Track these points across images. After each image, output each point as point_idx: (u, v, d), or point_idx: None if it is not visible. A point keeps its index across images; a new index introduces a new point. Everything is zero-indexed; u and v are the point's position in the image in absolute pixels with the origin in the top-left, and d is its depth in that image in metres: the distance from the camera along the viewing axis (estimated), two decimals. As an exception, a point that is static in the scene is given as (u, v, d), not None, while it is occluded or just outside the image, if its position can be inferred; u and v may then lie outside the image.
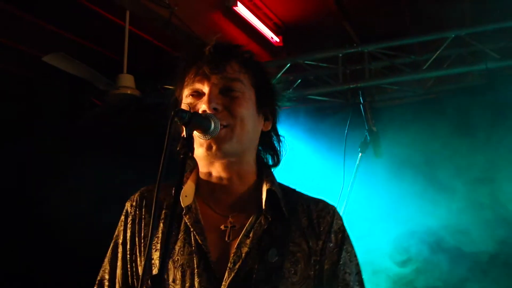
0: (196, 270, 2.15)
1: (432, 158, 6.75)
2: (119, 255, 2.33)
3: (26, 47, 6.58)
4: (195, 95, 2.29)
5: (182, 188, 2.27)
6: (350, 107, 6.74)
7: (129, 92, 6.04)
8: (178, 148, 1.96)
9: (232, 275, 2.14)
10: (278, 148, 2.50)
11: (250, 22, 6.89)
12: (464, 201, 6.34)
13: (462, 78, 7.24)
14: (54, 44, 6.17)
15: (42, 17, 6.20)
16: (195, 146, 2.02)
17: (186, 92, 2.33)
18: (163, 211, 2.32)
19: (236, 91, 2.28)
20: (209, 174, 2.33)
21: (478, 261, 6.50)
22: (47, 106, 7.08)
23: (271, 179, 2.39)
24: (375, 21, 7.05)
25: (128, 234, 2.32)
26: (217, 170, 2.30)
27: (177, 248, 2.20)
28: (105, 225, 2.53)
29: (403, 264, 6.76)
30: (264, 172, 2.41)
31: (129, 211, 2.37)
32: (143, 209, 2.34)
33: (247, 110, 2.29)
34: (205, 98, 2.23)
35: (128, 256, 2.31)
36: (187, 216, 2.25)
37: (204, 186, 2.35)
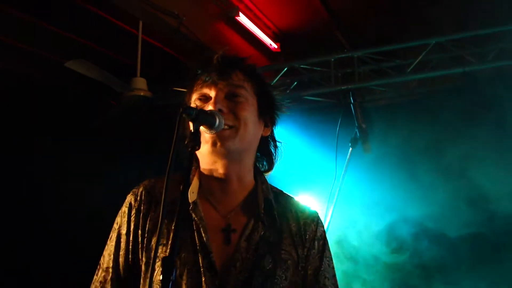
0: (202, 269, 2.13)
1: (415, 153, 6.74)
2: (122, 245, 2.28)
3: (50, 54, 6.57)
4: (202, 99, 2.29)
5: (190, 182, 2.27)
6: (342, 106, 6.74)
7: (142, 93, 6.08)
8: (186, 142, 1.96)
9: (234, 278, 2.13)
10: (274, 153, 2.50)
11: (251, 30, 6.89)
12: (444, 192, 6.33)
13: (442, 80, 7.25)
14: (75, 51, 6.17)
15: (65, 28, 6.23)
16: (201, 143, 2.02)
17: (194, 96, 2.33)
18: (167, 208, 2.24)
19: (240, 97, 2.29)
20: (211, 172, 2.31)
21: (459, 245, 6.49)
22: (67, 107, 7.09)
23: (266, 186, 2.40)
24: (364, 29, 7.05)
25: (132, 227, 2.27)
26: (219, 169, 2.29)
27: (182, 245, 2.16)
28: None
29: (391, 249, 6.75)
30: (259, 178, 2.41)
31: (132, 204, 2.31)
32: (147, 204, 2.30)
33: (250, 114, 2.30)
34: (211, 101, 2.24)
35: (130, 247, 2.26)
36: (195, 212, 2.23)
37: (206, 185, 2.33)
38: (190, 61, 2.44)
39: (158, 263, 2.12)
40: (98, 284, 2.28)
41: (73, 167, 6.38)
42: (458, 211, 6.40)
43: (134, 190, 2.37)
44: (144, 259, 2.22)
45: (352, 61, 6.97)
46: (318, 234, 2.40)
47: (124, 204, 2.35)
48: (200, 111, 2.03)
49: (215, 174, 2.31)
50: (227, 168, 2.28)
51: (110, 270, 2.28)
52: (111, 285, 2.26)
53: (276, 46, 7.35)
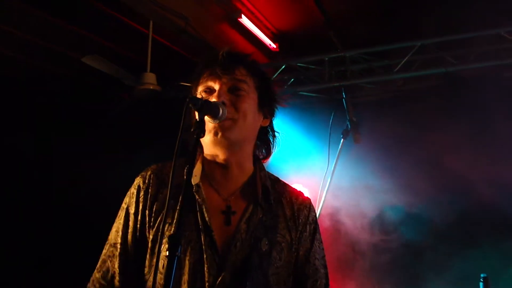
0: (203, 247, 2.12)
1: (401, 143, 6.76)
2: (130, 223, 2.26)
3: (68, 50, 6.59)
4: (207, 91, 2.28)
5: (195, 163, 2.27)
6: (334, 101, 6.77)
7: (151, 87, 6.07)
8: (192, 130, 1.97)
9: (234, 257, 2.13)
10: (272, 142, 2.49)
11: (252, 31, 6.86)
12: (426, 180, 6.34)
13: (426, 79, 7.26)
14: (91, 48, 6.18)
15: (84, 27, 6.27)
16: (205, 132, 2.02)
17: (200, 89, 2.32)
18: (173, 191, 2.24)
19: (242, 90, 2.28)
20: (214, 158, 2.31)
21: (445, 229, 6.50)
22: (83, 99, 7.10)
23: (264, 173, 2.39)
24: (355, 31, 7.02)
25: (140, 207, 2.25)
26: (220, 155, 2.29)
27: (186, 224, 2.15)
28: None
29: (379, 232, 6.75)
30: (258, 165, 2.40)
31: (141, 186, 2.29)
32: (155, 186, 2.28)
33: (250, 106, 2.29)
34: (215, 93, 2.23)
35: (138, 225, 2.25)
36: (197, 194, 2.22)
37: (208, 170, 2.32)
38: (196, 58, 2.42)
39: (164, 240, 2.09)
40: (106, 258, 2.28)
41: (90, 153, 6.44)
42: (438, 198, 6.41)
43: (142, 173, 2.36)
44: (151, 236, 2.21)
45: (344, 60, 6.98)
46: (310, 218, 2.40)
47: (133, 186, 2.34)
48: (205, 102, 2.04)
49: (217, 160, 2.31)
50: (227, 155, 2.28)
51: (118, 246, 2.26)
52: (119, 259, 2.25)
53: (275, 46, 7.32)
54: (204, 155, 2.35)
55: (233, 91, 2.27)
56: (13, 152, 6.32)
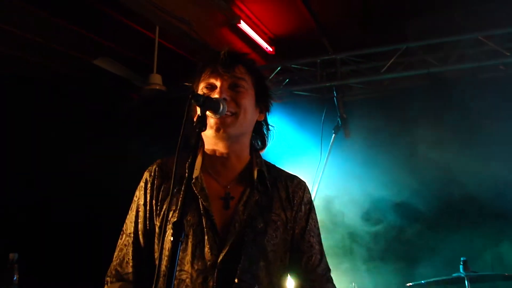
0: (205, 229, 2.13)
1: (388, 138, 6.76)
2: (141, 213, 2.28)
3: (80, 54, 6.58)
4: (209, 88, 2.27)
5: (197, 156, 2.27)
6: (326, 100, 6.78)
7: (157, 88, 6.05)
8: (194, 124, 1.96)
9: (233, 237, 2.12)
10: (267, 134, 2.48)
11: (250, 36, 6.83)
12: (413, 173, 6.34)
13: (410, 79, 7.26)
14: (102, 52, 6.17)
15: (94, 32, 6.27)
16: (207, 126, 2.02)
17: (202, 85, 2.30)
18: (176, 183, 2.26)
19: (241, 87, 2.27)
20: (214, 151, 2.31)
21: (430, 217, 6.51)
22: (96, 99, 7.09)
23: (260, 160, 2.38)
24: (345, 36, 7.04)
25: (148, 198, 2.27)
26: (220, 148, 2.29)
27: (189, 210, 2.16)
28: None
29: (371, 219, 6.74)
30: (254, 154, 2.39)
31: (148, 179, 2.31)
32: (160, 178, 2.29)
33: (249, 102, 2.28)
34: (217, 90, 2.22)
35: (148, 214, 2.26)
36: (195, 185, 2.22)
37: (209, 161, 2.32)
38: (199, 60, 2.41)
39: (169, 226, 2.10)
40: (122, 247, 2.30)
41: (102, 148, 6.41)
42: (424, 188, 6.41)
43: (149, 168, 2.37)
44: (158, 223, 2.23)
45: (335, 62, 7.00)
46: (305, 199, 2.38)
47: (142, 180, 2.35)
48: (207, 98, 2.03)
49: (217, 153, 2.31)
50: (227, 148, 2.28)
51: (132, 235, 2.29)
52: (133, 247, 2.27)
53: (271, 49, 7.29)
54: (205, 149, 2.35)
55: (233, 88, 2.26)
56: (29, 151, 6.34)
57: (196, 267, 2.09)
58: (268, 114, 2.49)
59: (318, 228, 2.41)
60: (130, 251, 2.27)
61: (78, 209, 6.40)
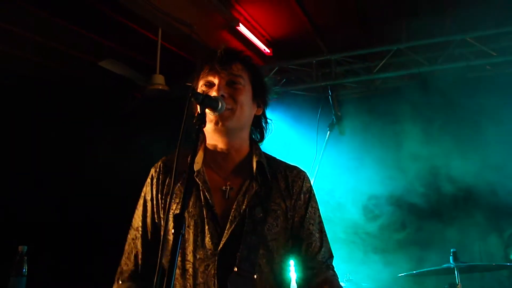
0: (206, 219, 2.11)
1: (380, 135, 6.77)
2: (148, 208, 2.29)
3: (87, 56, 6.61)
4: (207, 85, 2.26)
5: (198, 150, 2.28)
6: (321, 98, 6.74)
7: (160, 87, 6.07)
8: (194, 121, 1.95)
9: (233, 226, 2.11)
10: (265, 128, 2.47)
11: (249, 38, 6.81)
12: (405, 167, 6.33)
13: (402, 79, 7.25)
14: (106, 53, 6.17)
15: (100, 35, 6.32)
16: (206, 122, 2.02)
17: (201, 83, 2.29)
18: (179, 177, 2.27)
19: (239, 84, 2.26)
20: (215, 146, 2.30)
21: (425, 211, 6.52)
22: (101, 98, 7.10)
23: (259, 152, 2.36)
24: (339, 38, 7.03)
25: (154, 193, 2.28)
26: (220, 143, 2.28)
27: (191, 202, 2.16)
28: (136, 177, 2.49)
29: (366, 212, 6.73)
30: (254, 146, 2.37)
31: (153, 175, 2.32)
32: (164, 174, 2.30)
33: (246, 98, 2.27)
34: (215, 87, 2.21)
35: (154, 209, 2.27)
36: (198, 178, 2.21)
37: (210, 155, 2.31)
38: (199, 59, 2.40)
39: (170, 218, 2.05)
40: (131, 241, 2.31)
41: (109, 144, 6.48)
42: (417, 184, 6.41)
43: (155, 164, 2.37)
44: (162, 215, 2.24)
45: (329, 62, 7.00)
46: (304, 188, 2.34)
47: (148, 177, 2.35)
48: (206, 96, 2.03)
49: (218, 148, 2.30)
50: (227, 142, 2.28)
51: (140, 229, 2.29)
52: (141, 240, 2.28)
53: (269, 51, 7.27)
54: (206, 144, 2.34)
55: (230, 85, 2.25)
56: (31, 150, 6.35)
57: (198, 256, 2.09)
58: (266, 108, 2.47)
59: (319, 216, 2.38)
60: (139, 245, 2.27)
61: (81, 205, 6.40)
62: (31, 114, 6.46)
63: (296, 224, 2.28)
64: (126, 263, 2.27)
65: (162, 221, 2.24)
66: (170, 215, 2.11)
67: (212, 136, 2.28)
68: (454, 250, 4.66)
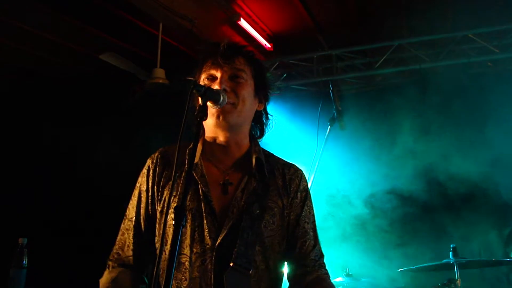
0: (204, 214, 2.10)
1: (379, 130, 6.79)
2: (143, 199, 2.26)
3: (88, 50, 6.63)
4: (210, 79, 2.23)
5: (198, 144, 2.23)
6: (322, 93, 6.76)
7: (161, 81, 6.04)
8: (196, 114, 1.92)
9: (231, 221, 2.09)
10: (266, 123, 2.44)
11: (250, 32, 6.79)
12: (404, 162, 6.34)
13: (403, 75, 7.25)
14: (108, 48, 6.16)
15: (102, 29, 6.33)
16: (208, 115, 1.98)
17: (203, 76, 2.26)
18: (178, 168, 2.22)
19: (241, 78, 2.23)
20: (214, 139, 2.27)
21: (426, 206, 6.54)
22: (103, 91, 7.10)
23: (258, 148, 2.34)
24: (340, 33, 7.01)
25: (150, 184, 2.25)
26: (220, 137, 2.25)
27: (188, 196, 2.13)
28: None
29: (363, 208, 6.73)
30: (253, 142, 2.36)
31: (150, 166, 2.28)
32: (161, 165, 2.27)
33: (248, 93, 2.24)
34: (217, 81, 2.18)
35: (150, 200, 2.24)
36: (195, 171, 2.18)
37: (209, 148, 2.29)
38: (201, 52, 2.37)
39: (170, 210, 2.10)
40: (124, 231, 2.28)
41: (111, 136, 6.51)
42: (418, 179, 6.42)
43: (152, 155, 2.34)
44: (159, 208, 2.21)
45: (330, 58, 7.03)
46: (301, 187, 2.34)
47: (144, 167, 2.32)
48: (207, 89, 2.00)
49: (217, 141, 2.27)
50: (227, 137, 2.24)
51: (133, 219, 2.26)
52: (133, 231, 2.25)
53: (269, 46, 7.26)
54: (205, 137, 2.32)
55: (233, 79, 2.22)
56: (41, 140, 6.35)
57: (195, 250, 2.07)
58: (267, 104, 2.45)
59: (313, 215, 2.38)
60: (131, 235, 2.25)
61: (81, 198, 6.41)
62: (30, 109, 6.48)
63: (292, 222, 2.28)
64: (118, 252, 2.25)
65: (157, 213, 2.21)
66: (169, 208, 2.11)
67: (212, 130, 2.25)
68: (454, 245, 4.67)
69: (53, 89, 6.75)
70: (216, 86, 2.16)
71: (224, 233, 2.08)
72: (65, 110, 6.76)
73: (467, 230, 6.09)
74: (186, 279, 2.06)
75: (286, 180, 2.32)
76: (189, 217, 2.11)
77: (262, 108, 2.41)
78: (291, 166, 2.41)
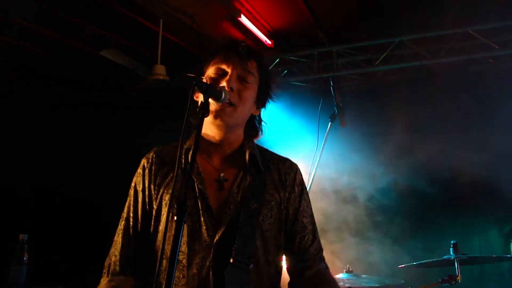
0: (200, 211, 2.10)
1: (380, 126, 6.78)
2: (139, 199, 2.27)
3: (88, 46, 6.57)
4: (219, 73, 2.24)
5: (199, 141, 2.17)
6: (323, 90, 6.78)
7: (161, 78, 6.02)
8: (197, 110, 1.93)
9: (229, 218, 2.10)
10: (258, 128, 2.46)
11: (250, 29, 6.77)
12: (407, 158, 6.34)
13: (403, 71, 7.24)
14: (108, 44, 6.15)
15: (102, 26, 6.29)
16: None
17: (211, 69, 2.28)
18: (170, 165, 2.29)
19: (249, 81, 2.26)
20: (209, 137, 2.29)
21: (427, 202, 6.55)
22: (102, 88, 7.09)
23: (252, 144, 2.36)
24: (341, 29, 6.99)
25: (146, 183, 2.26)
26: (216, 135, 2.27)
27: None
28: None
29: (364, 203, 6.74)
30: (246, 139, 2.37)
31: (145, 166, 2.30)
32: (156, 164, 2.29)
33: (250, 97, 2.28)
34: (226, 77, 2.20)
35: (146, 199, 2.25)
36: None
37: (204, 146, 2.30)
38: (200, 52, 2.38)
39: (165, 208, 2.14)
40: (120, 231, 2.28)
41: (111, 131, 6.49)
42: (419, 175, 6.42)
43: (146, 155, 2.36)
44: (155, 206, 2.22)
45: (331, 54, 7.02)
46: (297, 181, 2.37)
47: (139, 167, 2.34)
48: (209, 85, 2.01)
49: (211, 139, 2.29)
50: (222, 136, 2.27)
51: (130, 219, 2.27)
52: (132, 230, 2.26)
53: (270, 42, 7.24)
54: (202, 133, 2.30)
55: (241, 80, 2.25)
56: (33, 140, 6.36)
57: (192, 247, 2.07)
58: (264, 110, 2.47)
59: (310, 209, 2.40)
60: (129, 235, 2.25)
61: (83, 195, 6.40)
62: (30, 107, 6.47)
63: (291, 217, 2.29)
64: (115, 254, 2.24)
65: (154, 212, 2.21)
66: (164, 205, 2.13)
67: (207, 127, 2.26)
68: (455, 242, 4.66)
69: (51, 86, 6.73)
70: (223, 83, 2.18)
71: (222, 230, 2.08)
72: (65, 107, 6.75)
73: (467, 227, 6.10)
74: (184, 277, 2.06)
75: (282, 174, 2.34)
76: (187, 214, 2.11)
77: (257, 114, 2.44)
78: (286, 160, 2.43)
